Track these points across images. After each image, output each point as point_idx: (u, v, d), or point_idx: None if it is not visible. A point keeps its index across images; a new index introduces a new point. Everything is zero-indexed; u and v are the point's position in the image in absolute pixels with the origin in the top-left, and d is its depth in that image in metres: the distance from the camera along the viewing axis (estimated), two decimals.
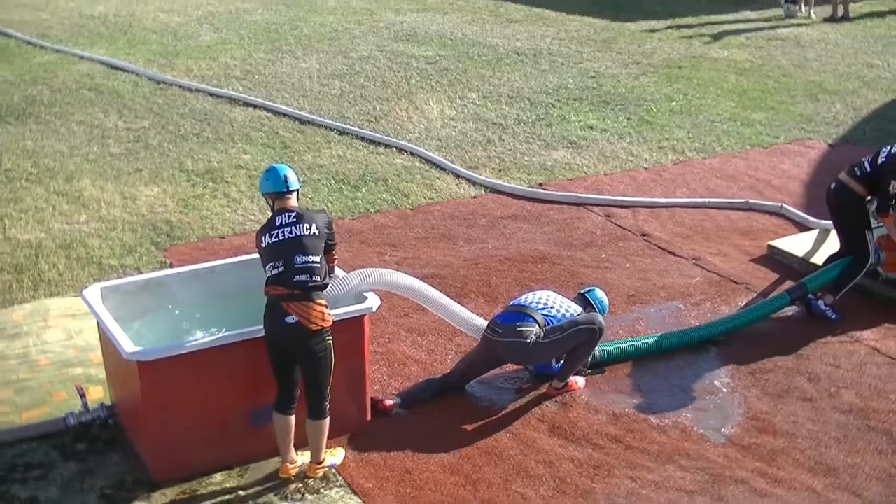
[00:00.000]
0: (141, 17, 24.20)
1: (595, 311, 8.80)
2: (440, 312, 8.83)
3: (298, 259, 7.27)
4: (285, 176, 7.52)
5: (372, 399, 8.38)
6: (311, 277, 7.27)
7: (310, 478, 7.67)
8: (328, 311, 7.34)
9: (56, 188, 13.31)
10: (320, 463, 7.68)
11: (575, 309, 8.63)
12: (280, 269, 7.31)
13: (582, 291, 9.08)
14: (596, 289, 9.12)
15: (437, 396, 8.61)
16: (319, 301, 7.29)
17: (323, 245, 7.43)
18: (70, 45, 21.14)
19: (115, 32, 22.56)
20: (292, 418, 7.52)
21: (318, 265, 7.32)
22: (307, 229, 7.34)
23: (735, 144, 14.87)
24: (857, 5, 24.45)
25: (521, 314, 8.48)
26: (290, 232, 7.34)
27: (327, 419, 7.56)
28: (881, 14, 23.43)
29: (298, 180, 7.71)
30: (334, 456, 7.78)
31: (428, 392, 8.63)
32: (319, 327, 7.28)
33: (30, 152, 14.71)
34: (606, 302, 9.06)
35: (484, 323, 8.82)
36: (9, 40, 21.77)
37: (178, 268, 9.37)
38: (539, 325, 8.38)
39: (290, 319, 7.24)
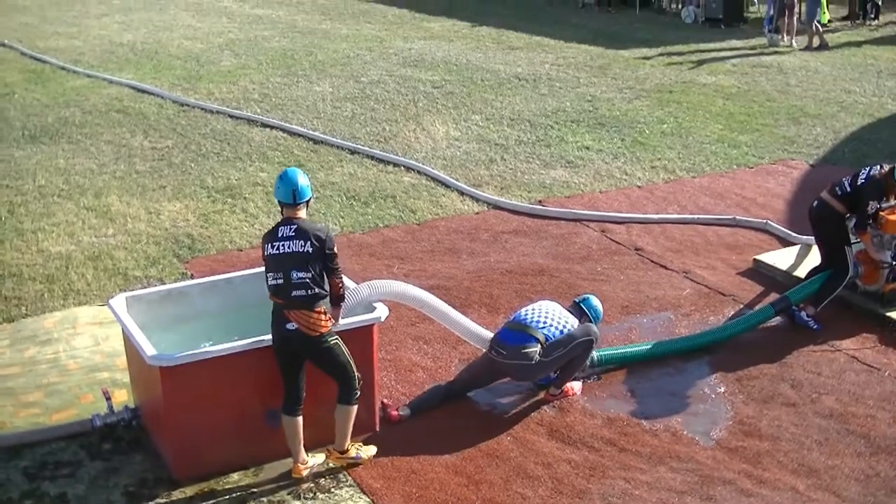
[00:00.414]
0: (166, 44, 24.24)
1: (589, 320, 8.77)
2: (444, 322, 8.81)
3: (295, 275, 7.25)
4: (293, 190, 7.41)
5: (383, 404, 8.37)
6: (307, 291, 7.24)
7: (333, 467, 7.71)
8: (326, 317, 7.32)
9: (85, 203, 13.31)
10: (344, 452, 7.67)
11: (572, 322, 8.58)
12: (279, 282, 7.32)
13: (577, 300, 9.03)
14: (591, 297, 9.06)
15: (442, 403, 8.56)
16: (318, 309, 7.27)
17: (320, 260, 7.28)
18: (100, 71, 21.19)
19: (143, 58, 22.60)
20: (300, 419, 7.50)
21: (314, 279, 7.25)
22: (302, 246, 7.26)
23: (723, 164, 14.84)
24: (835, 35, 24.46)
25: (524, 335, 8.39)
26: (288, 247, 7.30)
27: (355, 407, 7.56)
28: (858, 44, 23.44)
29: (310, 189, 7.58)
30: (362, 451, 7.77)
31: (434, 400, 8.58)
32: (319, 333, 7.27)
33: (62, 170, 14.72)
34: (601, 309, 9.00)
35: (485, 333, 8.81)
36: (44, 66, 21.83)
37: (199, 279, 9.36)
38: (541, 345, 8.34)
39: (290, 326, 7.27)
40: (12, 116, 17.63)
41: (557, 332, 8.41)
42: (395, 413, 8.37)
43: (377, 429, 8.19)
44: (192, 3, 30.59)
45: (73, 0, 31.48)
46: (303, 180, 7.47)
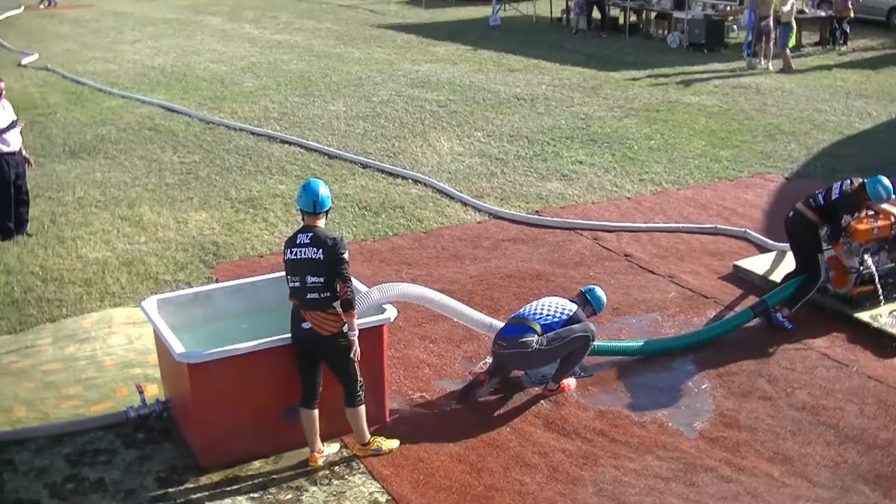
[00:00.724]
0: (194, 67, 24.27)
1: (593, 310, 8.86)
2: (450, 314, 8.88)
3: (310, 279, 7.27)
4: (314, 201, 7.41)
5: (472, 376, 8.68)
6: (320, 294, 7.26)
7: (347, 455, 7.76)
8: (339, 319, 7.32)
9: (120, 213, 13.33)
10: (365, 444, 7.71)
11: (569, 307, 8.62)
12: (297, 285, 7.36)
13: (583, 290, 9.05)
14: (595, 288, 9.08)
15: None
16: (331, 310, 7.30)
17: (331, 266, 7.24)
18: (134, 92, 21.22)
19: (172, 80, 22.63)
20: (316, 412, 7.53)
21: (327, 283, 7.26)
22: (315, 253, 7.26)
23: (705, 177, 14.83)
24: (807, 59, 24.43)
25: (522, 326, 8.46)
26: (304, 253, 7.31)
27: (361, 407, 7.59)
28: (828, 67, 23.41)
29: (330, 199, 7.55)
30: (385, 444, 7.79)
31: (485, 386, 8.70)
32: (330, 333, 7.29)
33: (98, 182, 14.75)
34: (604, 300, 9.04)
35: (486, 318, 8.88)
36: (83, 88, 21.86)
37: (223, 283, 9.39)
38: (538, 334, 8.37)
39: (305, 325, 7.32)
40: (54, 134, 17.66)
41: (554, 319, 8.46)
42: (482, 376, 8.64)
43: (387, 421, 8.20)
44: (218, 30, 30.63)
45: (109, 28, 31.55)
46: (324, 191, 7.46)
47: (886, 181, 9.73)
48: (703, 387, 8.85)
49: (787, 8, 23.07)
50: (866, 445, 7.91)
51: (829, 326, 9.92)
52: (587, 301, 8.87)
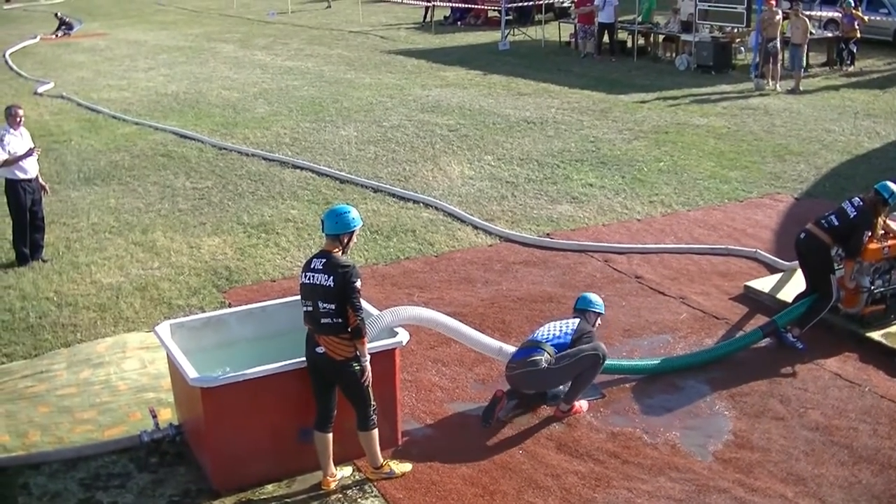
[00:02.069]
0: (206, 93, 24.37)
1: (594, 314, 8.88)
2: (460, 338, 8.85)
3: (322, 305, 7.25)
4: (330, 225, 7.36)
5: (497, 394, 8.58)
6: (332, 320, 7.23)
7: (360, 479, 7.72)
8: (350, 343, 7.28)
9: (134, 239, 13.36)
10: (378, 468, 7.68)
11: (572, 322, 8.70)
12: (310, 309, 7.34)
13: (576, 306, 9.04)
14: (586, 294, 9.13)
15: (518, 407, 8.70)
16: (344, 335, 7.26)
17: (341, 293, 7.17)
18: (147, 119, 21.30)
19: (185, 107, 22.72)
20: (330, 436, 7.50)
21: (338, 309, 7.21)
22: (326, 279, 7.22)
23: (715, 199, 14.80)
24: (815, 80, 24.41)
25: (531, 349, 8.50)
26: (316, 279, 7.27)
27: (374, 430, 7.57)
28: (836, 87, 23.39)
29: (348, 226, 7.39)
30: (397, 467, 7.76)
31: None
32: (343, 357, 7.26)
33: (112, 208, 14.79)
34: (596, 298, 9.06)
35: (496, 343, 8.90)
36: (97, 115, 21.97)
37: (236, 307, 9.38)
38: (549, 354, 8.36)
39: (319, 350, 7.30)
40: (69, 161, 17.73)
41: (561, 336, 8.50)
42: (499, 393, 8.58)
43: (399, 443, 8.17)
44: (230, 57, 30.75)
45: (123, 56, 31.72)
46: (343, 218, 7.38)
47: (892, 185, 9.86)
48: (716, 408, 8.80)
49: (799, 30, 23.09)
50: (880, 465, 7.85)
51: (841, 346, 9.87)
52: (584, 310, 8.90)
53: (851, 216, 9.84)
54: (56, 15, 39.89)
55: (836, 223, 9.88)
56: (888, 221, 10.10)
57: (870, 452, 8.01)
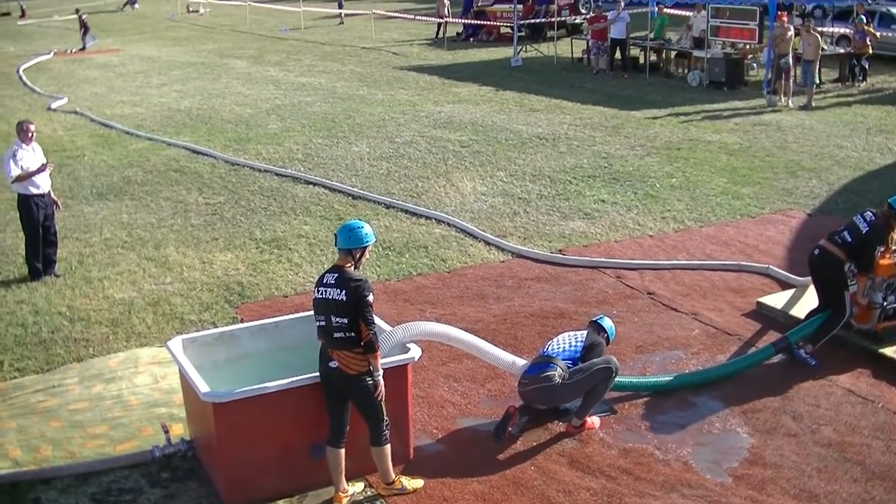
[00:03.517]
0: (219, 109, 24.48)
1: (605, 336, 8.87)
2: (473, 352, 8.85)
3: (334, 319, 7.25)
4: (343, 239, 7.37)
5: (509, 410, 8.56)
6: (345, 334, 7.23)
7: (372, 495, 7.71)
8: (363, 358, 7.28)
9: (146, 254, 13.42)
10: (390, 484, 7.68)
11: (581, 334, 8.75)
12: (322, 324, 7.35)
13: (593, 319, 9.09)
14: (604, 316, 9.19)
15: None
16: (356, 350, 7.26)
17: (354, 308, 7.18)
18: (160, 134, 21.42)
19: (198, 123, 22.83)
20: (342, 451, 7.49)
21: (351, 324, 7.21)
22: (338, 294, 7.23)
23: (727, 215, 14.80)
24: (827, 96, 24.42)
25: (543, 364, 8.50)
26: (329, 294, 7.28)
27: (386, 446, 7.56)
28: (848, 103, 23.39)
29: (361, 241, 7.39)
30: (409, 483, 7.75)
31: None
32: (357, 372, 7.26)
33: (125, 224, 14.86)
34: (614, 328, 9.11)
35: (510, 357, 8.90)
36: (110, 131, 22.09)
37: (248, 322, 9.38)
38: (562, 369, 8.37)
39: (332, 364, 7.31)
40: (82, 176, 17.83)
41: (572, 349, 8.54)
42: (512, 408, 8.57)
43: (411, 457, 8.17)
44: (243, 73, 30.90)
45: (137, 72, 31.90)
46: (356, 233, 7.39)
47: None
48: (728, 424, 8.77)
49: (811, 46, 23.10)
50: (893, 482, 7.81)
51: (854, 362, 9.83)
52: (601, 328, 8.94)
53: (864, 231, 9.81)
54: (77, 13, 40.37)
55: (850, 239, 9.85)
56: None
57: (883, 469, 7.98)
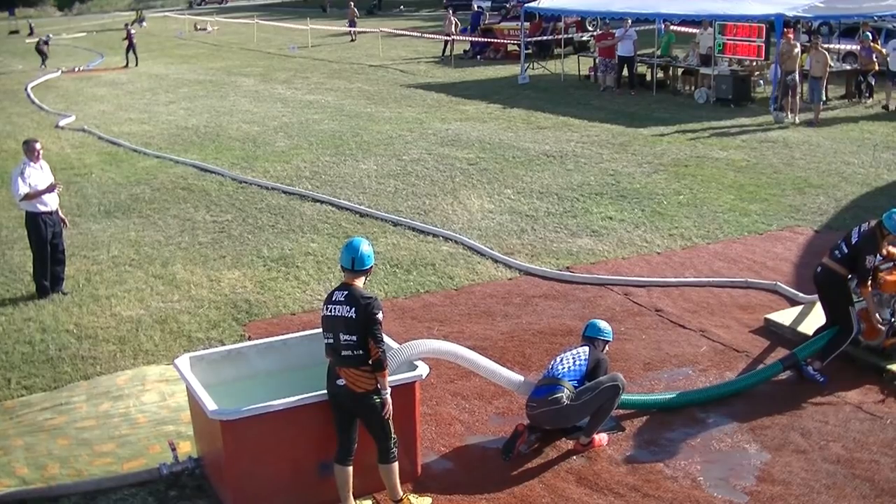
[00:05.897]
0: (226, 127, 24.57)
1: (603, 342, 8.83)
2: (479, 371, 8.83)
3: (343, 337, 7.25)
4: (353, 258, 7.39)
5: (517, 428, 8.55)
6: (353, 352, 7.23)
7: None
8: (371, 376, 7.28)
9: (153, 272, 13.45)
10: (398, 501, 7.67)
11: (583, 351, 8.69)
12: (331, 341, 7.36)
13: (584, 333, 9.00)
14: (595, 322, 9.07)
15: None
16: (364, 368, 7.26)
17: (363, 325, 7.18)
18: (167, 152, 21.51)
19: (205, 140, 22.91)
20: (350, 469, 7.49)
21: (360, 342, 7.21)
22: (348, 311, 7.23)
23: (735, 231, 14.80)
24: (834, 112, 24.43)
25: (550, 386, 8.48)
26: (338, 311, 7.29)
27: (394, 463, 7.55)
28: (855, 120, 23.39)
29: (371, 259, 7.47)
30: (417, 501, 7.75)
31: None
32: (364, 390, 7.27)
33: (133, 241, 14.91)
34: (603, 325, 9.00)
35: (516, 377, 8.86)
36: (118, 148, 22.20)
37: (256, 340, 9.40)
38: (569, 390, 8.36)
39: (340, 382, 7.31)
40: (90, 194, 17.90)
41: (577, 368, 8.51)
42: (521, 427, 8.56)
43: (419, 475, 8.17)
44: (250, 91, 31.03)
45: (144, 90, 32.06)
46: (365, 249, 7.43)
47: None
48: (736, 441, 8.76)
49: (818, 63, 23.12)
50: None
51: (862, 378, 9.82)
52: (594, 339, 8.87)
53: (855, 241, 9.83)
54: (126, 27, 40.91)
55: (846, 250, 9.86)
56: (890, 248, 10.05)
57: (892, 485, 7.94)
